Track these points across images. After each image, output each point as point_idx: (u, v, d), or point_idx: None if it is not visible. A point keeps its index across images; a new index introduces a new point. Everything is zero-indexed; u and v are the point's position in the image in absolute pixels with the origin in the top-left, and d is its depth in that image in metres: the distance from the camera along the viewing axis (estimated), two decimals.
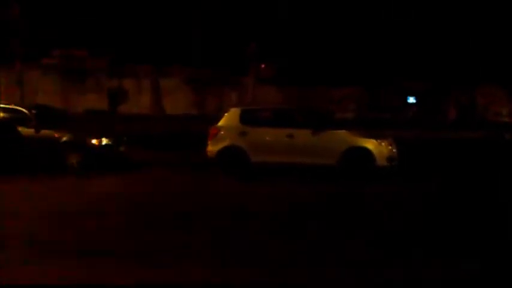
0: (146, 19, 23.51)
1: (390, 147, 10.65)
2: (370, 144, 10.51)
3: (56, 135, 11.28)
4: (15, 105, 12.37)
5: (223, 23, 23.79)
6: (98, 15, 23.12)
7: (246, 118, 11.18)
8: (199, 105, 22.69)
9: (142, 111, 21.05)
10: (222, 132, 11.10)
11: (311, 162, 10.51)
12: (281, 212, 7.68)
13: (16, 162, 10.77)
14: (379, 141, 10.63)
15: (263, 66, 26.15)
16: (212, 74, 23.55)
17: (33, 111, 11.77)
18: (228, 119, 11.29)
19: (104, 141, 11.54)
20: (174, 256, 5.46)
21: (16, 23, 20.98)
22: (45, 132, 11.19)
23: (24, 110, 11.80)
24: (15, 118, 11.46)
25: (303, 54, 25.99)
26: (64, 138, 11.28)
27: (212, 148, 11.02)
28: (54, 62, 23.57)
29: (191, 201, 8.47)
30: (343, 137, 10.66)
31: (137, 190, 9.53)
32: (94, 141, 11.42)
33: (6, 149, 10.76)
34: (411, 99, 29.06)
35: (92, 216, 7.44)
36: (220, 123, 11.28)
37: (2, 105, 11.90)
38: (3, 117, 11.53)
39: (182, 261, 5.27)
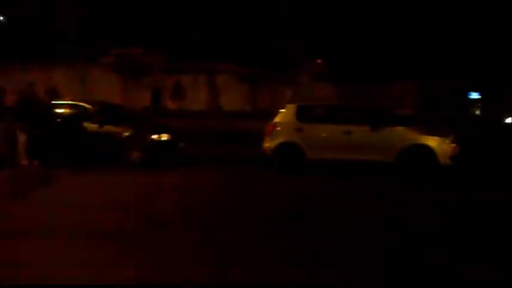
0: (201, 17, 23.89)
1: (453, 145, 10.31)
2: (432, 141, 10.21)
3: (118, 130, 11.65)
4: (80, 101, 12.85)
5: (276, 20, 23.81)
6: (154, 14, 23.70)
7: (302, 114, 11.14)
8: (254, 102, 22.79)
9: (199, 107, 21.38)
10: (279, 129, 11.12)
11: (368, 159, 10.36)
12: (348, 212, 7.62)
13: (80, 156, 11.24)
14: (441, 138, 10.31)
15: (319, 61, 25.95)
16: (267, 71, 23.60)
17: (96, 108, 12.21)
18: (285, 115, 11.28)
19: (164, 137, 11.80)
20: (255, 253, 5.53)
21: (78, 24, 21.87)
22: (108, 127, 11.59)
23: (87, 106, 12.25)
24: (80, 114, 11.93)
25: (358, 49, 25.61)
26: (125, 134, 11.62)
27: (268, 144, 11.06)
28: (112, 60, 24.28)
29: (251, 198, 8.54)
30: (403, 134, 10.42)
31: (197, 185, 9.69)
32: (154, 136, 11.70)
33: (71, 143, 11.26)
34: (474, 95, 27.92)
35: (157, 210, 7.66)
36: (276, 120, 11.30)
37: (67, 102, 12.39)
38: (69, 113, 12.02)
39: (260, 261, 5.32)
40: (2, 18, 22.99)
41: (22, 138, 11.08)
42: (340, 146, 10.50)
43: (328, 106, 12.10)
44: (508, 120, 23.08)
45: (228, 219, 7.11)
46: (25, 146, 10.99)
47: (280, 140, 10.99)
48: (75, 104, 12.32)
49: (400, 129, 10.51)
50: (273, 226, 6.64)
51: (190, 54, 23.50)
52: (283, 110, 11.46)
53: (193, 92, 23.10)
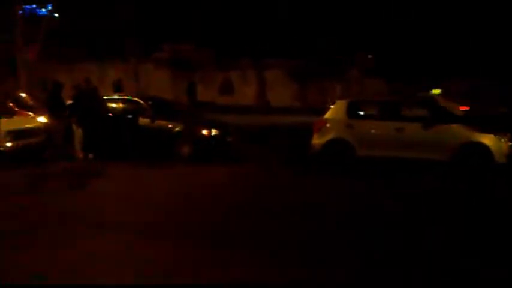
0: (251, 13, 23.92)
1: (510, 144, 9.89)
2: (489, 139, 9.83)
3: (169, 125, 11.86)
4: (133, 96, 13.15)
5: (325, 15, 23.54)
6: (205, 11, 23.94)
7: (352, 110, 10.96)
8: (303, 97, 22.65)
9: (247, 102, 21.48)
10: (328, 125, 10.95)
11: (421, 157, 10.08)
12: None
13: (133, 150, 11.55)
14: (497, 136, 9.92)
15: (370, 56, 25.48)
16: (316, 66, 23.41)
17: (149, 103, 12.48)
18: (335, 111, 11.10)
19: (213, 132, 11.92)
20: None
21: (131, 23, 22.39)
22: (159, 122, 11.82)
23: (141, 101, 12.53)
24: (134, 109, 12.23)
25: (409, 45, 24.96)
26: (176, 129, 11.82)
27: (318, 141, 10.92)
28: (164, 56, 24.73)
29: (300, 196, 8.52)
30: (458, 131, 10.07)
31: (247, 181, 9.75)
32: (204, 131, 11.84)
33: (125, 138, 11.58)
34: None
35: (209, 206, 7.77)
36: (326, 116, 11.13)
37: (121, 97, 12.72)
38: (124, 108, 12.35)
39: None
40: (57, 15, 23.84)
41: (78, 132, 11.49)
42: (392, 144, 10.26)
43: (380, 102, 11.80)
44: None
45: (281, 218, 7.11)
46: (80, 139, 11.40)
47: (329, 136, 10.83)
48: (129, 99, 12.63)
49: (454, 127, 10.17)
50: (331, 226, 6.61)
51: (240, 50, 23.63)
52: (333, 106, 11.30)
53: (242, 88, 23.21)
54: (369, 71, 25.07)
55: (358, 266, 5.06)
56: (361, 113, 11.16)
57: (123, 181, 9.46)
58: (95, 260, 5.24)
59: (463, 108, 15.95)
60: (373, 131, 10.63)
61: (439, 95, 16.29)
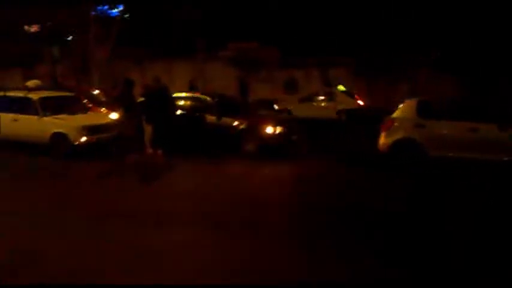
0: (316, 12, 23.74)
1: None
2: None
3: (235, 122, 11.97)
4: (200, 94, 13.40)
5: (393, 12, 22.93)
6: (270, 9, 24.00)
7: (423, 110, 10.57)
8: (368, 96, 22.18)
9: None
10: (397, 124, 10.67)
11: (496, 159, 9.60)
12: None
13: (200, 146, 11.75)
14: None
15: (439, 54, 24.55)
16: (382, 64, 22.87)
17: (216, 100, 12.66)
18: (404, 110, 10.78)
19: (278, 129, 11.92)
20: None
21: (199, 23, 22.84)
22: (225, 119, 11.96)
23: (207, 98, 12.74)
24: (201, 106, 12.45)
25: (481, 41, 23.83)
26: (242, 126, 11.91)
27: (385, 141, 10.65)
28: (230, 54, 25.00)
29: (362, 196, 8.35)
30: None
31: (309, 177, 9.69)
32: (269, 129, 11.86)
33: (193, 134, 11.80)
34: None
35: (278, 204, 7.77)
36: (394, 115, 10.84)
37: (190, 94, 12.98)
38: (191, 105, 12.59)
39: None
40: (127, 15, 24.66)
41: (148, 128, 11.81)
42: (465, 145, 9.84)
43: (452, 101, 11.36)
44: None
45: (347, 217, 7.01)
46: (151, 135, 11.71)
47: (398, 136, 10.53)
48: (197, 97, 12.87)
49: None
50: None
51: (304, 48, 23.50)
52: (402, 105, 10.98)
53: (307, 86, 23.08)
54: (438, 69, 24.17)
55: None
56: (432, 112, 10.76)
57: (190, 176, 9.67)
58: (161, 254, 5.38)
59: None
60: (445, 131, 10.23)
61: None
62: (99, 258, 5.26)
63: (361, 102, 20.04)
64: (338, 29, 22.97)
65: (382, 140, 10.71)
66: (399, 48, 23.03)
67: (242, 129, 11.89)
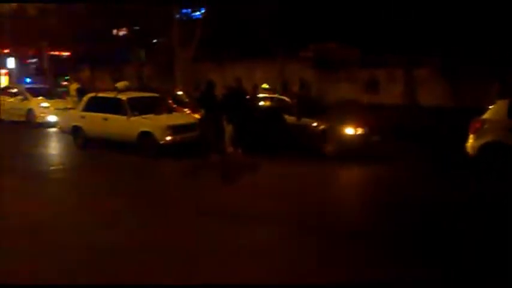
0: (398, 9, 23.02)
1: None
2: None
3: (314, 123, 11.93)
4: (280, 94, 13.50)
5: (481, 11, 21.71)
6: (348, 10, 23.61)
7: None
8: (455, 96, 21.19)
9: (394, 101, 20.72)
10: (486, 127, 10.11)
11: None
12: None
13: (280, 146, 11.83)
14: None
15: None
16: (471, 64, 21.76)
17: (295, 101, 12.69)
18: (494, 112, 10.18)
19: (359, 130, 11.72)
20: None
21: (278, 24, 22.96)
22: (305, 120, 11.95)
23: (287, 99, 12.80)
24: (281, 106, 12.54)
25: None
26: (321, 127, 11.85)
27: (474, 143, 10.14)
28: (309, 55, 24.91)
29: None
30: None
31: (394, 181, 9.46)
32: (349, 130, 11.70)
33: (272, 134, 11.91)
34: None
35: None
36: (484, 116, 10.27)
37: (269, 95, 13.11)
38: (271, 106, 12.72)
39: None
40: (200, 14, 25.25)
41: (228, 128, 12.06)
42: None
43: None
44: None
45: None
46: (231, 135, 11.95)
47: (487, 139, 9.97)
48: (277, 97, 12.98)
49: None
50: None
51: (388, 47, 22.88)
52: (492, 106, 10.39)
53: (389, 86, 22.48)
54: None
55: None
56: None
57: (269, 175, 9.78)
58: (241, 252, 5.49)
59: None
60: None
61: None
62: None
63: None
64: (424, 27, 22.14)
65: (470, 142, 10.21)
66: (489, 45, 21.82)
67: (322, 129, 11.83)
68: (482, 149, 9.96)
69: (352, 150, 11.47)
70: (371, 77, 23.06)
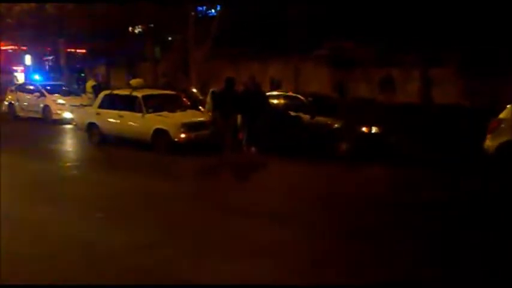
0: (414, 9, 22.77)
1: None
2: None
3: (329, 121, 11.86)
4: (294, 93, 13.45)
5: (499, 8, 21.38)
6: (364, 8, 23.43)
7: None
8: (472, 96, 20.91)
9: (409, 100, 20.51)
10: (503, 126, 9.97)
11: None
12: None
13: (293, 145, 11.79)
14: None
15: None
16: (488, 64, 21.45)
17: (310, 99, 12.62)
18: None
19: (374, 129, 11.62)
20: None
21: (294, 24, 22.90)
22: (319, 119, 11.89)
23: (301, 97, 12.75)
24: (294, 105, 12.49)
25: None
26: (336, 125, 11.78)
27: (491, 143, 10.00)
28: (324, 53, 24.78)
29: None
30: None
31: (409, 183, 9.36)
32: (364, 129, 11.61)
33: (287, 133, 11.88)
34: None
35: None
36: (502, 116, 10.13)
37: (284, 93, 13.08)
38: (286, 104, 12.68)
39: None
40: (215, 12, 25.24)
41: (242, 126, 12.05)
42: None
43: None
44: None
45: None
46: (245, 133, 11.94)
47: (504, 138, 9.84)
48: (291, 96, 12.94)
49: None
50: None
51: (404, 46, 22.66)
52: (510, 106, 10.24)
53: (404, 85, 22.27)
54: None
55: None
56: None
57: (282, 174, 9.76)
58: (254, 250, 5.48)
59: None
60: None
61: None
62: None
63: None
64: (439, 26, 21.89)
65: (488, 142, 10.08)
66: (506, 45, 21.49)
67: (336, 128, 11.75)
68: (499, 149, 9.83)
69: (367, 150, 11.37)
70: (386, 76, 22.85)
